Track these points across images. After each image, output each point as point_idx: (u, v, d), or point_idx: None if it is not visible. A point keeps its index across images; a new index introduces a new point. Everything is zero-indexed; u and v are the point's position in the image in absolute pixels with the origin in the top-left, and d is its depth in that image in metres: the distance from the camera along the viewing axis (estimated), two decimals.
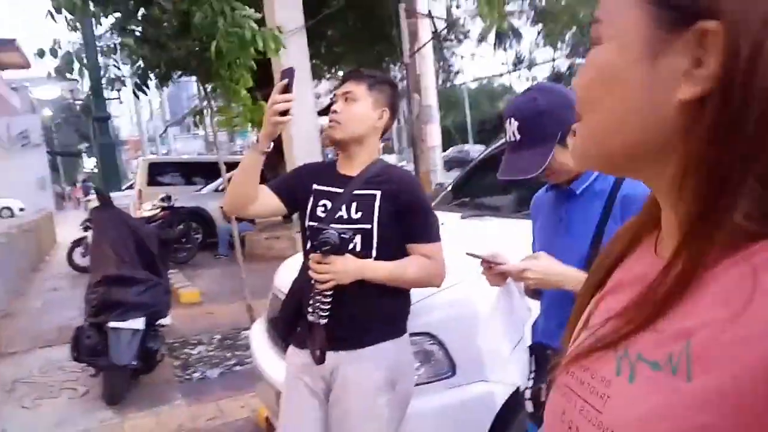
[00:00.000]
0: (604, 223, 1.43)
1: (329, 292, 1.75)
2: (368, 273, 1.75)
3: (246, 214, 1.93)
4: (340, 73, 10.95)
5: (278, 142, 6.88)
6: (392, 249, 1.80)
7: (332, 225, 1.77)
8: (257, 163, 1.80)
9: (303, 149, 6.04)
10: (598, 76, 0.50)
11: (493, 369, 2.02)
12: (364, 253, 1.77)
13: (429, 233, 1.82)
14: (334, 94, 1.91)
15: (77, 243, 9.34)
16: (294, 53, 5.08)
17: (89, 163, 50.17)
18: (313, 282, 1.75)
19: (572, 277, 1.39)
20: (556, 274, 1.42)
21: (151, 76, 4.47)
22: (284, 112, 1.72)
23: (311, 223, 1.86)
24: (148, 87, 4.46)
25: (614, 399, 0.49)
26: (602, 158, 0.53)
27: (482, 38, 14.55)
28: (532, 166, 1.42)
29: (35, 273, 10.42)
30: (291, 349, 1.95)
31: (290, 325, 1.95)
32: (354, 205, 1.80)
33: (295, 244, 9.50)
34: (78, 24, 3.99)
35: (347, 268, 1.72)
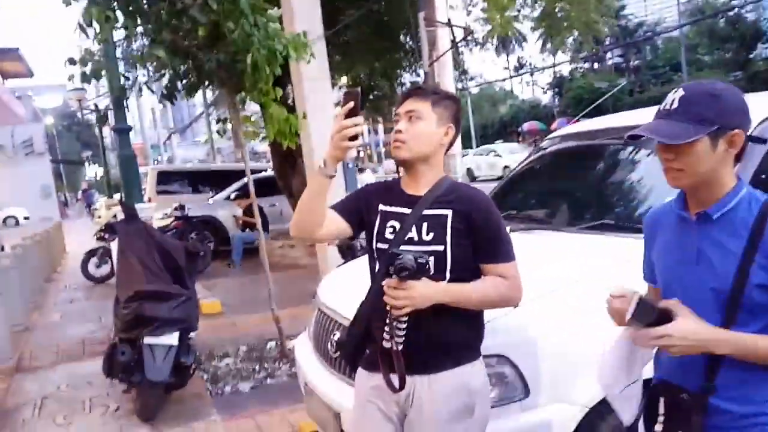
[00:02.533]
0: (748, 262, 1.28)
1: (405, 318, 1.71)
2: (446, 297, 1.70)
3: (313, 238, 1.89)
4: (344, 80, 10.92)
5: (290, 150, 6.85)
6: (466, 270, 1.76)
7: (402, 247, 1.73)
8: (324, 187, 1.76)
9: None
10: None
11: (567, 389, 1.98)
12: (438, 276, 1.72)
13: (504, 252, 1.78)
14: (396, 113, 1.86)
15: (92, 253, 9.31)
16: (316, 62, 5.06)
17: (90, 172, 50.22)
18: (388, 308, 1.71)
19: (726, 342, 1.28)
20: (705, 340, 1.28)
21: (179, 85, 4.45)
22: (353, 137, 1.68)
23: (380, 246, 1.82)
24: (176, 98, 4.43)
25: None
26: None
27: (484, 43, 14.54)
28: (676, 134, 1.29)
29: (49, 284, 10.39)
30: (361, 371, 1.92)
31: (358, 349, 1.91)
32: (424, 226, 1.76)
33: (308, 252, 9.49)
34: (107, 37, 3.97)
35: (425, 292, 1.67)
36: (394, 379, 1.75)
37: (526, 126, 34.30)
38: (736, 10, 23.94)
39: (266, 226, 8.84)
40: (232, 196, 10.99)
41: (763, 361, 1.28)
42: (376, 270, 1.83)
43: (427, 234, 1.76)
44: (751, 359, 1.28)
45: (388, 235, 1.81)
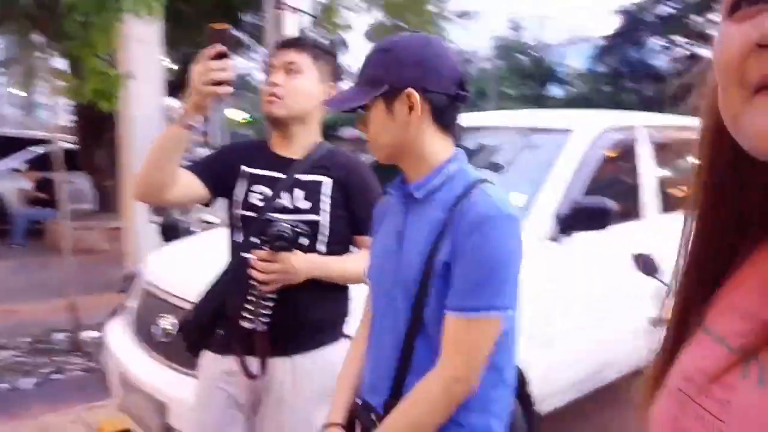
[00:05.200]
0: (438, 243, 1.08)
1: (273, 295, 1.53)
2: (322, 271, 1.56)
3: (161, 201, 1.59)
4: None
5: (97, 118, 6.05)
6: (341, 243, 1.64)
7: (273, 215, 1.55)
8: (180, 139, 1.46)
9: (144, 132, 5.42)
10: None
11: None
12: (312, 249, 1.57)
13: None
14: (271, 64, 1.65)
15: None
16: (149, 24, 4.54)
17: None
18: (254, 284, 1.51)
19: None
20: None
21: None
22: (221, 82, 1.41)
23: (245, 213, 1.61)
24: None
25: (739, 405, 0.44)
26: None
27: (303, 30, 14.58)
28: (343, 101, 1.17)
29: None
30: (208, 355, 1.68)
31: (206, 331, 1.67)
32: (299, 192, 1.59)
33: (109, 236, 8.51)
34: None
35: (300, 266, 1.51)
36: (251, 362, 1.55)
37: (346, 133, 35.04)
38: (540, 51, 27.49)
39: (56, 204, 7.77)
40: (23, 168, 9.47)
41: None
42: (240, 241, 1.62)
43: (302, 202, 1.59)
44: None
45: (256, 202, 1.60)
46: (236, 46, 1.60)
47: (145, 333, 2.35)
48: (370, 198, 1.64)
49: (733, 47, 0.42)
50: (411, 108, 1.11)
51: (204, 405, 1.65)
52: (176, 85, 9.50)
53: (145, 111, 5.36)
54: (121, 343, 2.49)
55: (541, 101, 24.97)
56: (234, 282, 1.60)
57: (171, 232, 3.75)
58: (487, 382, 1.09)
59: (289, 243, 1.47)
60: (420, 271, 1.09)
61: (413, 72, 1.10)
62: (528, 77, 28.07)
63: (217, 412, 1.61)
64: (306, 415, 1.57)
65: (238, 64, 12.12)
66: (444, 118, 1.14)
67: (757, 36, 0.41)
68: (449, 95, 1.12)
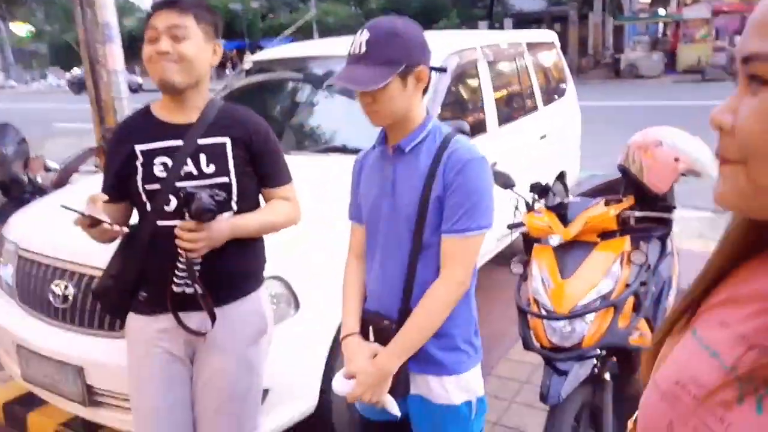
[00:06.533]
0: (429, 185, 1.40)
1: (200, 259, 1.62)
2: (240, 230, 1.66)
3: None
4: None
5: None
6: (251, 199, 1.73)
7: (181, 184, 1.59)
8: (98, 236, 1.55)
9: None
10: None
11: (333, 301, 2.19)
12: (225, 209, 1.64)
13: (284, 175, 1.79)
14: (153, 26, 1.59)
15: None
16: None
17: None
18: (180, 251, 1.58)
19: (389, 365, 1.40)
20: (381, 366, 1.41)
21: None
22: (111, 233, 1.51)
23: (151, 187, 1.62)
24: None
25: (739, 427, 0.48)
26: (761, 209, 0.51)
27: None
28: (368, 81, 1.32)
29: None
30: (137, 317, 1.74)
31: (126, 296, 1.73)
32: (202, 157, 1.63)
33: None
34: None
35: (221, 231, 1.59)
36: (187, 318, 1.67)
37: None
38: None
39: None
40: None
41: (421, 343, 1.42)
42: (149, 210, 1.65)
43: (208, 166, 1.63)
44: (417, 346, 1.42)
45: (159, 174, 1.62)
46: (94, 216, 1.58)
47: (35, 301, 2.28)
48: (272, 151, 1.75)
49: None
50: (419, 81, 1.40)
51: (142, 363, 1.73)
52: None
53: None
54: (5, 314, 2.38)
55: (362, 1, 24.89)
56: (151, 249, 1.65)
57: (14, 187, 3.44)
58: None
59: (214, 214, 1.54)
60: (417, 204, 1.41)
61: (420, 52, 1.39)
62: None
63: (157, 367, 1.71)
64: (241, 355, 1.74)
65: None
66: (426, 87, 1.44)
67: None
68: (433, 68, 1.45)
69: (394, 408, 1.43)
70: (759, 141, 0.48)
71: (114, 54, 5.40)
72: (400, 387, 1.45)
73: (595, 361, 1.98)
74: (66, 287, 2.19)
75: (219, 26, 1.70)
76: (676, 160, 2.04)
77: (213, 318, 1.66)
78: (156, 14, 1.61)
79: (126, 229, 1.55)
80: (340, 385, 1.47)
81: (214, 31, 1.67)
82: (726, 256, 0.58)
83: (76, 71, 28.36)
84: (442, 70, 1.52)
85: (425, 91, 1.44)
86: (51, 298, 2.21)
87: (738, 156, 0.50)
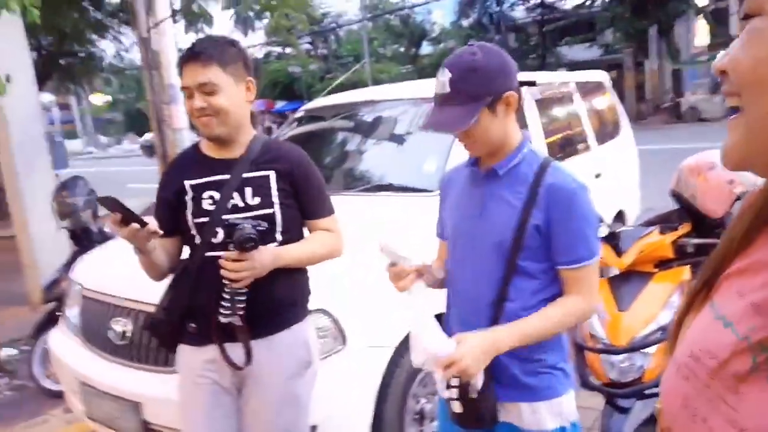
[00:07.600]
0: (529, 211, 1.37)
1: (245, 290, 1.65)
2: (283, 260, 1.69)
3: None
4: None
5: None
6: (294, 230, 1.78)
7: (228, 217, 1.65)
8: (147, 259, 1.68)
9: (26, 157, 5.16)
10: None
11: (379, 333, 2.18)
12: (270, 240, 1.70)
13: (325, 207, 1.83)
14: (185, 86, 1.66)
15: None
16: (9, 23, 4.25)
17: None
18: (225, 282, 1.62)
19: (504, 340, 1.32)
20: (489, 345, 1.30)
21: None
22: (142, 234, 1.56)
23: (200, 220, 1.70)
24: None
25: (753, 399, 0.46)
26: (765, 166, 0.49)
27: (174, 15, 13.78)
28: (457, 122, 1.33)
29: None
30: (186, 349, 1.79)
31: (178, 327, 1.78)
32: (248, 190, 1.70)
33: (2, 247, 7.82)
34: None
35: (264, 261, 1.63)
36: (232, 349, 1.70)
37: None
38: (406, 10, 27.99)
39: None
40: None
41: (540, 337, 1.37)
42: (198, 243, 1.72)
43: (253, 198, 1.70)
44: (535, 338, 1.36)
45: (207, 207, 1.69)
46: (125, 211, 1.66)
47: (97, 339, 2.38)
48: (314, 183, 1.80)
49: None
50: (508, 106, 1.38)
51: (191, 394, 1.77)
52: (45, 75, 8.76)
53: (22, 112, 5.01)
54: (71, 353, 2.49)
55: (414, 59, 25.73)
56: (199, 280, 1.70)
57: (83, 236, 3.65)
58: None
59: (256, 243, 1.59)
60: (513, 230, 1.38)
61: (504, 78, 1.37)
62: (399, 36, 28.64)
63: (205, 398, 1.74)
64: (286, 387, 1.75)
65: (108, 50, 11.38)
66: (518, 108, 1.42)
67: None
68: (522, 83, 1.44)
69: (478, 382, 1.35)
70: (746, 66, 0.48)
71: (178, 113, 5.74)
72: (486, 415, 1.40)
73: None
74: (125, 324, 2.28)
75: (248, 60, 1.75)
76: (731, 182, 1.96)
77: (248, 352, 1.68)
78: (184, 70, 1.67)
79: (160, 231, 1.60)
80: (438, 346, 1.30)
81: (243, 67, 1.71)
82: (746, 223, 0.54)
83: (148, 136, 30.17)
84: (531, 84, 1.53)
85: (519, 108, 1.43)
86: (111, 336, 2.30)
87: (734, 88, 0.49)
